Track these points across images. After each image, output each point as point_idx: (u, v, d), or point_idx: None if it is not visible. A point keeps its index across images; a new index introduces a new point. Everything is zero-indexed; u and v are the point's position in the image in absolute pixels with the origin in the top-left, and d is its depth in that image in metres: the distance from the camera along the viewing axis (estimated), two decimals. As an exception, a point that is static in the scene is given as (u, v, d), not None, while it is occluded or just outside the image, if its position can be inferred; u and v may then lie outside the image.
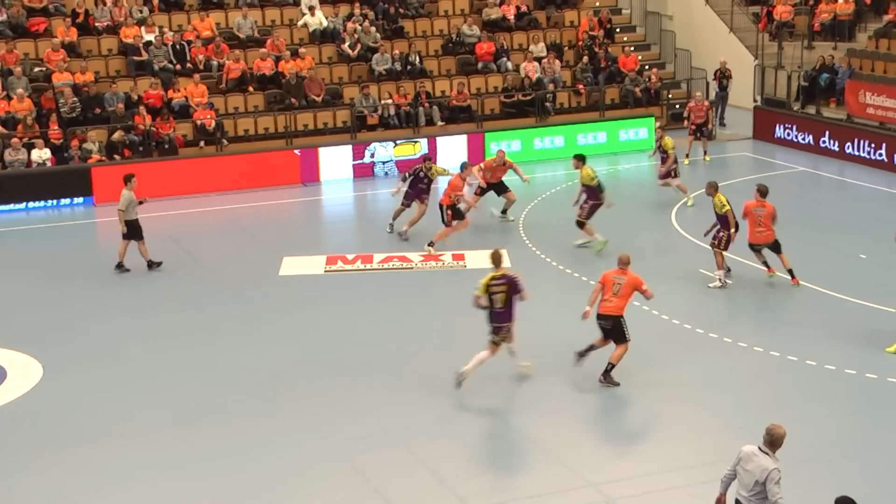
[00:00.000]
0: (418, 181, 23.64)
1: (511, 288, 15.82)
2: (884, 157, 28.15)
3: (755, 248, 20.08)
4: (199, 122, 29.57)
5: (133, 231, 21.70)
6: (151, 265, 21.88)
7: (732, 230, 19.81)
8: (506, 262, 16.49)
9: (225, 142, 29.74)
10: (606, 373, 15.99)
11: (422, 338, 18.24)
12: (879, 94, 31.45)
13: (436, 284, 20.93)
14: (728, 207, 19.90)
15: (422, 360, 17.31)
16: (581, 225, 22.46)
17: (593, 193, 22.34)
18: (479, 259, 21.80)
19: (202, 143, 29.56)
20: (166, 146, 28.97)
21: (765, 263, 20.10)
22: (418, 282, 21.13)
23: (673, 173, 25.45)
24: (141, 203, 21.81)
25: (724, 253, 20.03)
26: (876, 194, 26.32)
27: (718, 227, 20.01)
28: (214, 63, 31.48)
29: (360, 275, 21.65)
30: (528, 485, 13.46)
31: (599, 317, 16.08)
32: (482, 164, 25.03)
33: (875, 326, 17.97)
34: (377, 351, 17.71)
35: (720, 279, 19.98)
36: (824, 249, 22.11)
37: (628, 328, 16.01)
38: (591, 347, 16.22)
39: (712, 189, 20.21)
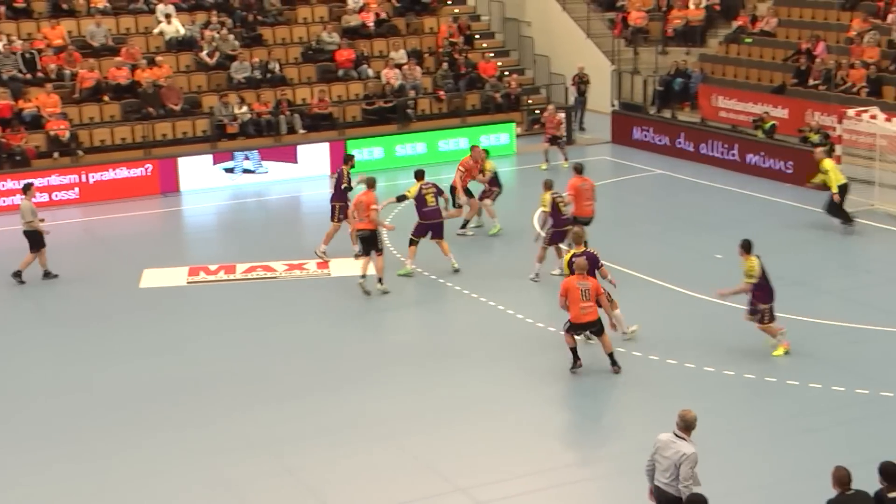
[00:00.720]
0: (340, 181, 22.85)
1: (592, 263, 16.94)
2: (737, 157, 28.93)
3: (582, 221, 20.55)
4: (52, 133, 28.77)
5: (35, 241, 21.42)
6: (48, 275, 21.69)
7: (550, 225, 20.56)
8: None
9: (80, 153, 28.99)
10: (614, 363, 16.44)
11: (286, 348, 18.04)
12: (731, 97, 32.37)
13: (300, 293, 20.73)
14: (548, 209, 20.53)
15: (288, 370, 17.14)
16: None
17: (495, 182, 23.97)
18: (344, 267, 21.71)
19: (56, 155, 28.76)
20: (17, 158, 28.10)
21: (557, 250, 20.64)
22: (283, 291, 20.91)
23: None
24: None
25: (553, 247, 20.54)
26: (730, 195, 27.01)
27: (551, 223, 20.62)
28: (67, 72, 30.67)
29: (224, 285, 21.33)
30: (400, 492, 13.40)
31: (585, 326, 16.38)
32: (461, 167, 23.84)
33: (732, 325, 18.42)
34: (242, 362, 17.47)
35: (536, 274, 20.57)
36: (682, 250, 22.61)
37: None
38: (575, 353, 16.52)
39: (545, 187, 20.79)
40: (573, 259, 16.87)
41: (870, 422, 14.86)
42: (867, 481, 10.88)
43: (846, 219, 23.34)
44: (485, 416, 15.38)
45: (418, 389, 16.30)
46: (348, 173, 22.43)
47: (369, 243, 20.15)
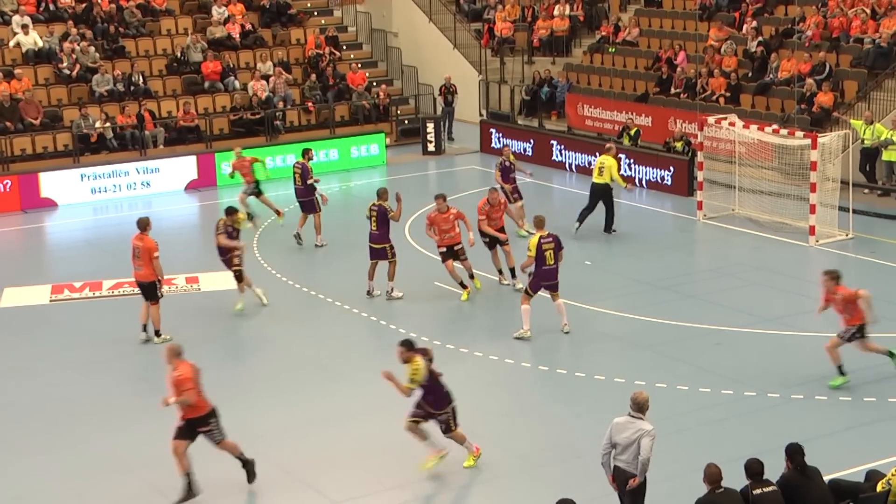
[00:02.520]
0: (307, 175, 23.48)
1: (557, 245, 17.90)
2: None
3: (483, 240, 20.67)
4: None
5: None
6: None
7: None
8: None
9: (-65, 169, 28.08)
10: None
11: (154, 366, 17.67)
12: (596, 106, 32.91)
13: (168, 309, 20.34)
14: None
15: (154, 388, 16.79)
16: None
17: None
18: (213, 281, 21.41)
19: None
20: None
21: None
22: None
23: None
24: None
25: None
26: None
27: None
28: (-80, 86, 29.68)
29: (90, 303, 20.83)
30: (272, 508, 13.26)
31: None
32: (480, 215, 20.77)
33: (602, 329, 18.72)
34: (107, 382, 17.11)
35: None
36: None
37: None
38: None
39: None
40: (540, 242, 17.90)
41: (735, 421, 15.23)
42: (735, 479, 11.16)
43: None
44: (356, 427, 15.32)
45: (290, 402, 16.15)
46: (310, 168, 23.62)
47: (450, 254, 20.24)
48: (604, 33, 35.66)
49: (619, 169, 24.72)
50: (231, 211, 19.94)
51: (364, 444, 14.73)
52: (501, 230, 20.75)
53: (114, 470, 14.26)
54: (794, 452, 11.34)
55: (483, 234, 20.68)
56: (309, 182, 23.39)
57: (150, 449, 14.72)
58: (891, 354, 16.36)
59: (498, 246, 20.83)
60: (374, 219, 20.35)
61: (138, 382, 17.10)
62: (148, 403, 16.20)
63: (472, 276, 20.53)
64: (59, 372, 17.58)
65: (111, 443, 15.04)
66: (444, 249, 20.16)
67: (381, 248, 20.43)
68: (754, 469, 11.16)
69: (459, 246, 20.18)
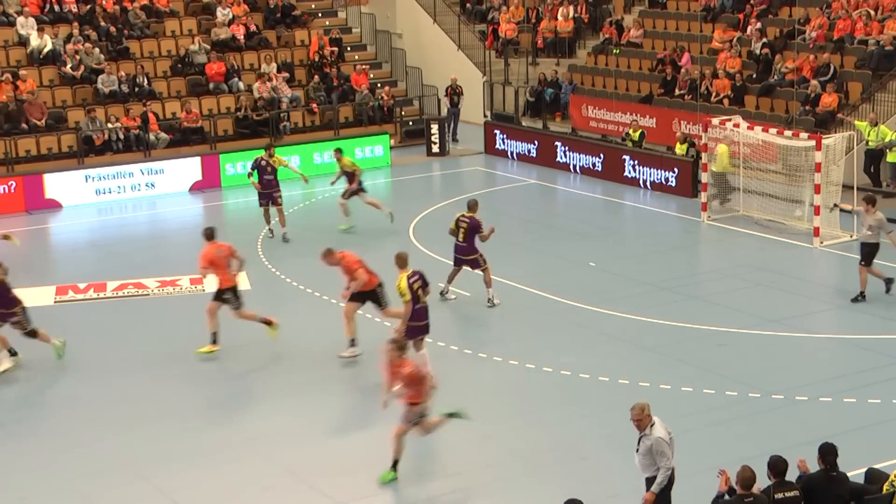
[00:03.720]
0: (263, 173, 23.60)
1: (423, 283, 16.51)
2: (600, 167, 29.32)
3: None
4: None
5: None
6: None
7: None
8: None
9: (-60, 170, 28.11)
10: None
11: (160, 366, 17.71)
12: (600, 107, 32.91)
13: (173, 310, 20.39)
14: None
15: (161, 388, 16.83)
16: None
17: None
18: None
19: (-86, 173, 27.83)
20: None
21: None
22: (155, 308, 20.54)
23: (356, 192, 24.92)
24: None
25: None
26: (600, 203, 27.45)
27: None
28: (-75, 87, 29.72)
29: (94, 304, 20.86)
30: (276, 509, 13.27)
31: None
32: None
33: (606, 331, 18.72)
34: (113, 382, 17.12)
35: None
36: (556, 259, 22.86)
37: None
38: None
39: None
40: (410, 283, 16.26)
41: (740, 422, 15.22)
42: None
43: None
44: (358, 429, 15.33)
45: (296, 405, 16.17)
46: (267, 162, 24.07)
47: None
48: (607, 35, 35.64)
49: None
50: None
51: (369, 447, 14.72)
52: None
53: (117, 471, 14.25)
54: (827, 452, 11.10)
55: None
56: (266, 178, 23.91)
57: (156, 449, 14.73)
58: (454, 415, 14.10)
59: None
60: (462, 231, 19.76)
61: (144, 384, 17.09)
62: (153, 404, 16.24)
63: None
64: (63, 373, 17.58)
65: (116, 444, 15.04)
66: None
67: (472, 259, 19.91)
68: (779, 468, 10.95)
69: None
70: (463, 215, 20.01)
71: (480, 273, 20.01)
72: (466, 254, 19.95)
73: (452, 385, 16.45)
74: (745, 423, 15.15)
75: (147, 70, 32.46)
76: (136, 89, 31.65)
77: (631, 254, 23.08)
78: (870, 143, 26.25)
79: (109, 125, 30.08)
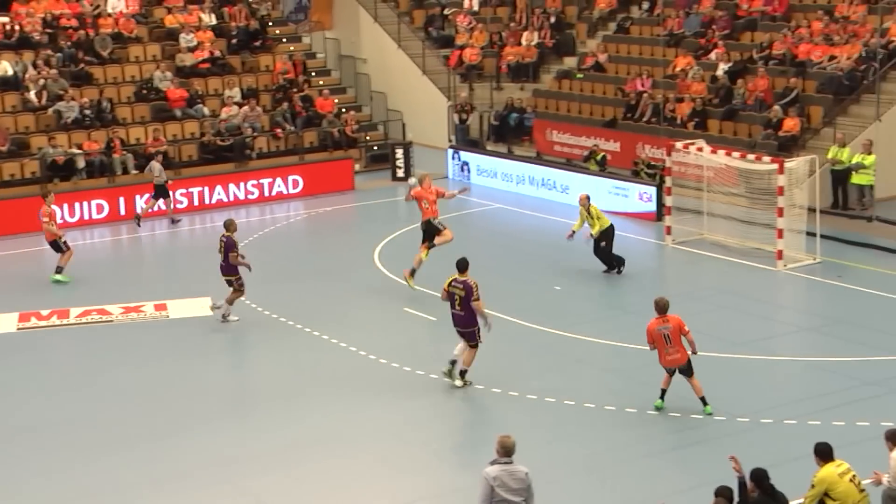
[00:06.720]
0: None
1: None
2: (568, 191, 29.36)
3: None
4: None
5: None
6: None
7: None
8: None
9: None
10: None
11: (126, 393, 17.58)
12: (564, 131, 33.07)
13: (137, 337, 20.24)
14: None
15: (127, 415, 16.70)
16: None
17: None
18: (182, 308, 21.31)
19: None
20: None
21: None
22: (119, 335, 20.39)
23: None
24: None
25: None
26: (564, 227, 27.48)
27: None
28: None
29: (57, 331, 20.69)
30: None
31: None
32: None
33: (572, 355, 18.74)
34: (78, 410, 16.98)
35: None
36: (521, 283, 22.87)
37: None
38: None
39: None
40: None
41: (705, 445, 15.27)
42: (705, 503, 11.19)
43: (611, 264, 23.14)
44: (332, 453, 15.27)
45: (264, 429, 16.08)
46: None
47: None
48: (571, 64, 35.83)
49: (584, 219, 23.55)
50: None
51: (336, 474, 14.65)
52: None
53: (81, 499, 14.10)
54: (760, 477, 11.32)
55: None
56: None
57: (120, 476, 14.61)
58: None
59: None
60: (458, 300, 17.17)
61: (109, 410, 16.94)
62: (119, 431, 16.11)
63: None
64: (25, 401, 17.41)
65: (87, 470, 14.90)
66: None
67: (470, 331, 17.43)
68: (725, 496, 11.15)
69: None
70: (454, 279, 17.42)
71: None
72: (465, 326, 17.42)
73: (418, 412, 16.45)
74: (709, 447, 15.19)
75: (111, 96, 32.30)
76: (100, 115, 31.46)
77: (596, 277, 23.12)
78: (840, 164, 26.41)
79: (69, 151, 29.83)
